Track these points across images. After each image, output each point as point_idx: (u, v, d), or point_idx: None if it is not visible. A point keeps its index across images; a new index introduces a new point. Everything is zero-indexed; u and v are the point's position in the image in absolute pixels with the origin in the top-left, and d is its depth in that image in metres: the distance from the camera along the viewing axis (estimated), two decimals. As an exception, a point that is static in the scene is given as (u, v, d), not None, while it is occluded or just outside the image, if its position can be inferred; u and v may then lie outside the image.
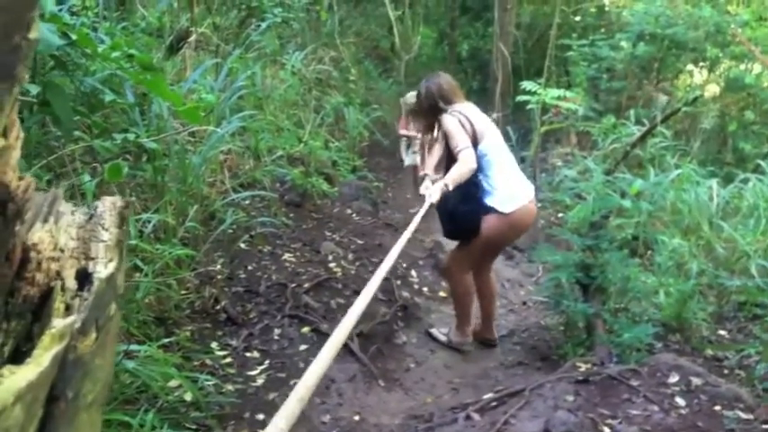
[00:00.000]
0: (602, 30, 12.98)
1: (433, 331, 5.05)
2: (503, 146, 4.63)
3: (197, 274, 4.41)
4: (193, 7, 7.39)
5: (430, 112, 4.67)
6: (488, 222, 4.46)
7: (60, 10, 5.02)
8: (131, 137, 3.05)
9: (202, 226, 4.69)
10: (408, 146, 9.46)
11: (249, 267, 4.95)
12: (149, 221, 3.95)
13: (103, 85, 3.56)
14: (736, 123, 9.80)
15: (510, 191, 4.47)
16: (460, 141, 4.33)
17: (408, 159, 9.48)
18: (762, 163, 7.05)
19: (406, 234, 3.37)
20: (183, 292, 4.21)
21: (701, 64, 10.79)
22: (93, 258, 1.14)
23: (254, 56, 8.33)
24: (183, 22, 7.45)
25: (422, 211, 4.07)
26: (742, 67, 10.33)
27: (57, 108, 2.56)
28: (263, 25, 8.05)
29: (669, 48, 10.37)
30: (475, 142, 4.41)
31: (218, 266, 4.68)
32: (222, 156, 5.91)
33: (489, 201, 4.44)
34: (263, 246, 5.32)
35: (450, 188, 4.23)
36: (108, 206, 1.27)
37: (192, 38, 6.91)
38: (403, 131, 9.40)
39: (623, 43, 10.49)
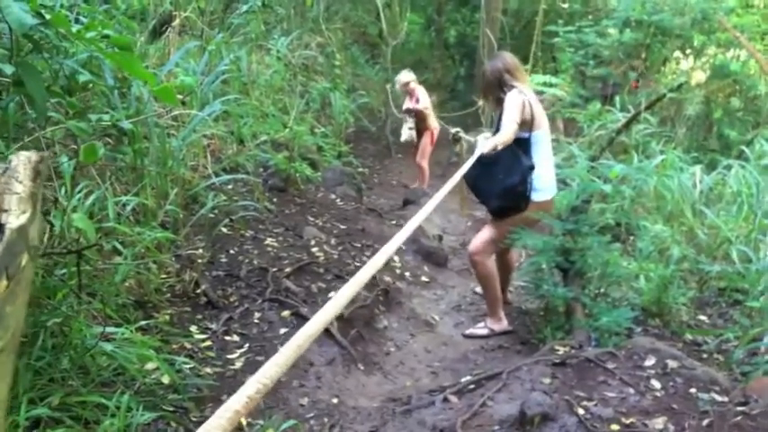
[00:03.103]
0: (590, 16, 12.99)
1: (470, 331, 5.03)
2: (549, 137, 4.82)
3: (177, 257, 4.41)
4: (176, -10, 7.36)
5: (497, 86, 4.75)
6: (528, 207, 4.67)
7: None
8: (106, 118, 3.03)
9: (184, 210, 4.68)
10: (406, 121, 9.72)
11: (230, 251, 4.95)
12: (128, 204, 3.94)
13: (83, 68, 3.54)
14: (722, 110, 9.83)
15: (547, 182, 4.69)
16: (513, 119, 4.47)
17: (405, 135, 9.70)
18: (745, 150, 7.07)
19: (448, 185, 3.54)
20: (163, 275, 4.21)
21: (688, 51, 10.79)
22: (5, 210, 1.15)
23: (239, 41, 8.30)
24: (166, 6, 7.41)
25: (471, 160, 4.27)
26: (728, 54, 10.33)
27: (30, 88, 2.55)
28: (244, 8, 8.01)
29: (655, 35, 10.35)
30: (531, 127, 4.60)
31: (199, 250, 4.66)
32: (205, 140, 5.89)
33: (535, 186, 4.63)
34: (244, 230, 5.31)
35: (500, 148, 4.43)
36: (23, 160, 1.27)
37: (176, 22, 6.88)
38: (407, 106, 9.63)
39: (610, 30, 10.46)
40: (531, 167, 4.58)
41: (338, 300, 1.73)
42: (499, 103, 4.73)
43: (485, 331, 4.94)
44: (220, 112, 5.77)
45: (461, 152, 5.48)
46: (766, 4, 12.13)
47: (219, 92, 6.49)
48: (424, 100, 9.51)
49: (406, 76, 9.66)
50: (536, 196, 4.63)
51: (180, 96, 4.92)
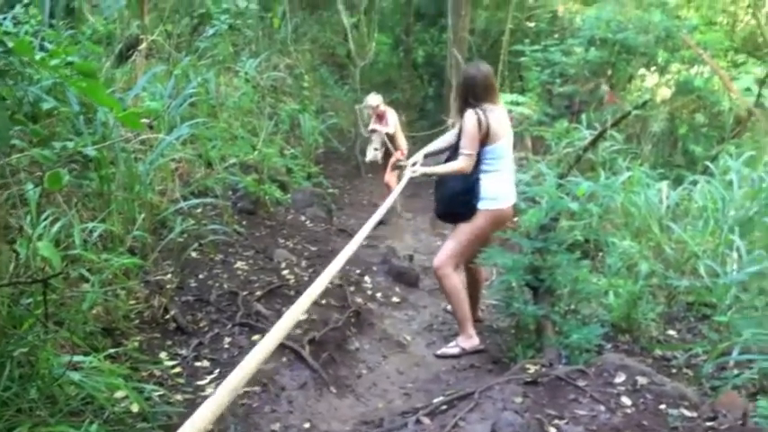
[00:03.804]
0: (555, 35, 13.13)
1: (443, 351, 5.02)
2: (509, 152, 4.96)
3: (146, 283, 4.37)
4: (144, 15, 7.35)
5: (464, 98, 4.90)
6: (476, 216, 4.82)
7: (4, 19, 4.97)
8: (71, 145, 3.00)
9: (152, 235, 4.65)
10: (371, 142, 9.85)
11: (200, 276, 4.91)
12: (95, 231, 3.90)
13: (48, 94, 3.52)
14: (687, 126, 9.95)
15: (498, 191, 4.83)
16: (469, 144, 4.70)
17: (370, 155, 9.86)
18: (710, 165, 7.16)
19: (383, 207, 4.02)
20: (132, 301, 4.17)
21: (653, 68, 10.94)
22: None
23: (207, 63, 8.29)
24: (133, 30, 7.40)
25: (402, 184, 4.87)
26: (692, 70, 10.48)
27: (-8, 116, 2.53)
28: (210, 32, 8.01)
29: (620, 52, 10.49)
30: (484, 141, 4.75)
31: (168, 275, 4.63)
32: (174, 164, 5.86)
33: (482, 196, 4.79)
34: (214, 254, 5.27)
35: (430, 174, 4.93)
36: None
37: (143, 45, 6.86)
38: (373, 127, 9.75)
39: (576, 48, 10.58)
40: (476, 179, 4.77)
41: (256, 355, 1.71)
42: (461, 113, 4.88)
43: (456, 350, 4.95)
44: (189, 136, 5.75)
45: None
46: (729, 21, 12.37)
47: (188, 115, 6.48)
48: (392, 122, 9.60)
49: (374, 99, 9.74)
50: (484, 205, 4.79)
51: (146, 120, 4.90)
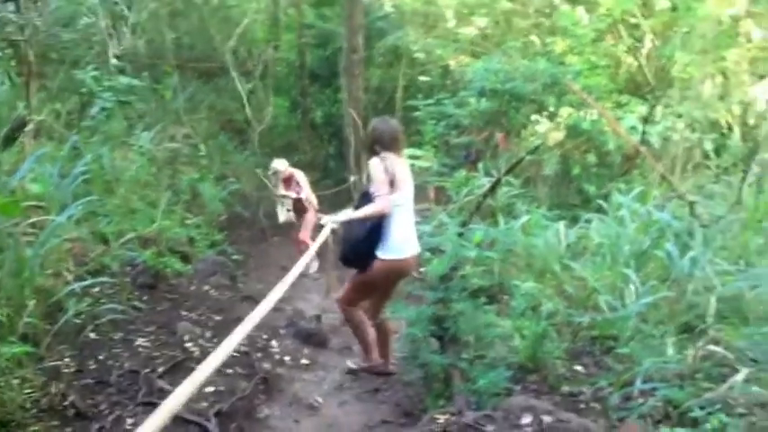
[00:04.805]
0: (448, 88, 13.47)
1: (348, 363, 5.72)
2: (410, 204, 5.20)
3: (41, 370, 4.23)
4: (30, 95, 7.23)
5: (368, 148, 5.24)
6: (373, 264, 5.02)
7: None
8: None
9: (47, 319, 4.52)
10: (282, 204, 10.14)
11: (100, 357, 4.78)
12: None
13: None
14: (579, 167, 10.29)
15: (398, 243, 5.03)
16: (381, 188, 4.86)
17: (282, 217, 10.21)
18: (603, 203, 7.41)
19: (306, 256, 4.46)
20: (28, 390, 4.02)
21: (544, 113, 11.29)
22: None
23: (100, 139, 8.19)
24: (20, 111, 7.26)
25: (324, 234, 5.16)
26: (582, 113, 10.85)
27: None
28: (94, 110, 7.95)
29: (510, 101, 10.81)
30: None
31: (66, 359, 4.49)
32: (69, 243, 5.74)
33: (380, 245, 5.00)
34: (113, 333, 5.15)
35: (348, 221, 5.07)
36: None
37: (30, 126, 6.75)
38: (286, 193, 10.07)
39: (470, 99, 10.87)
40: (379, 226, 4.95)
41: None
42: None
43: (355, 366, 5.57)
44: (84, 213, 5.66)
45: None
46: (611, 64, 12.93)
47: (82, 192, 6.37)
48: (303, 183, 10.01)
49: (279, 164, 10.05)
50: (382, 254, 5.00)
51: (34, 203, 4.81)
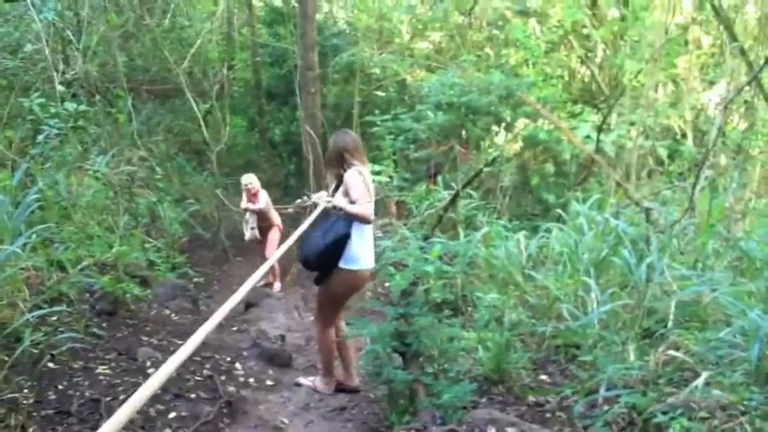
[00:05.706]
0: (405, 103, 13.54)
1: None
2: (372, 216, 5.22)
3: (-1, 402, 4.15)
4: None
5: (337, 162, 5.26)
6: (334, 275, 5.16)
7: None
8: None
9: (3, 350, 4.45)
10: (247, 222, 10.14)
11: (59, 387, 4.68)
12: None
13: None
14: (538, 177, 10.38)
15: (359, 254, 5.14)
16: (365, 194, 4.98)
17: (248, 234, 10.17)
18: (561, 212, 7.47)
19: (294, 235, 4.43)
20: (-16, 425, 3.94)
21: (502, 125, 11.38)
22: None
23: (54, 165, 8.08)
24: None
25: (315, 213, 5.14)
26: (538, 124, 10.95)
27: None
28: (41, 137, 7.86)
29: (467, 114, 10.89)
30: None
31: (24, 391, 4.40)
32: (24, 272, 5.64)
33: (345, 255, 5.10)
34: (72, 362, 5.06)
35: (341, 213, 4.98)
36: None
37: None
38: (245, 205, 10.09)
39: (429, 113, 10.92)
40: (347, 235, 5.02)
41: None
42: (338, 177, 5.23)
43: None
44: (40, 241, 5.57)
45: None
46: (563, 75, 13.10)
47: (37, 220, 6.28)
48: (263, 199, 10.00)
49: (247, 178, 10.15)
50: (344, 263, 5.10)
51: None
